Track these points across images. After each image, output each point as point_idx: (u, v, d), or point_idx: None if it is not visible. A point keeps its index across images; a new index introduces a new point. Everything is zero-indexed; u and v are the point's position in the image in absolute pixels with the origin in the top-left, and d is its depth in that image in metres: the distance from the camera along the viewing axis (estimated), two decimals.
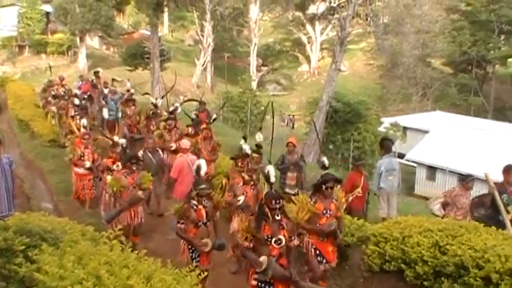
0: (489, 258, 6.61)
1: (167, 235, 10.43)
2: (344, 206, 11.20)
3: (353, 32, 39.99)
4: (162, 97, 17.00)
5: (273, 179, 6.58)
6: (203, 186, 7.49)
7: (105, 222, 9.02)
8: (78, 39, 48.97)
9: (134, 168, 9.26)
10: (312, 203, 7.43)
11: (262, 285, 6.40)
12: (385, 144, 11.66)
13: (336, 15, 36.77)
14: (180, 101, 17.31)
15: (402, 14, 56.66)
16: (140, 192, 9.20)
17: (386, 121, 37.02)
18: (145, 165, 10.14)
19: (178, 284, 3.96)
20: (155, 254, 7.23)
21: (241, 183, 9.34)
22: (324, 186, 7.46)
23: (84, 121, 13.25)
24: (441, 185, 31.63)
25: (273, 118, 9.77)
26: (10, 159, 8.88)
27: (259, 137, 11.94)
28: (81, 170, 12.09)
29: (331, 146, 28.64)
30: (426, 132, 36.87)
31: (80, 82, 23.66)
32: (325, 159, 8.22)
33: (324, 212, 7.45)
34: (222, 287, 8.35)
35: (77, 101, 16.46)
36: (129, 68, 43.36)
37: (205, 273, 7.04)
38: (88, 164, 11.99)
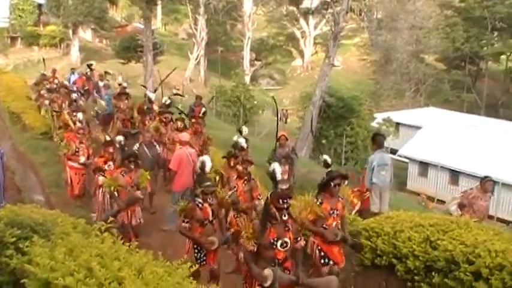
0: (480, 253, 6.64)
1: (160, 228, 10.47)
2: (357, 207, 11.29)
3: (347, 27, 40.00)
4: (155, 91, 16.97)
5: (279, 177, 6.10)
6: (209, 183, 7.20)
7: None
8: (70, 31, 48.84)
9: (132, 166, 9.11)
10: (318, 203, 7.23)
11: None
12: (377, 140, 11.64)
13: (330, 10, 36.68)
14: (172, 94, 17.27)
15: (396, 9, 56.63)
16: (138, 192, 9.12)
17: (379, 116, 37.08)
18: (141, 160, 9.95)
19: (170, 276, 3.96)
20: (147, 246, 7.26)
21: (235, 177, 9.21)
22: (332, 184, 7.23)
23: (80, 115, 13.10)
24: (433, 181, 31.76)
25: (277, 113, 9.73)
26: (1, 152, 8.89)
27: (244, 130, 11.96)
28: (76, 165, 12.01)
29: (323, 141, 28.66)
30: (419, 128, 36.95)
31: (72, 75, 23.50)
32: (327, 157, 7.90)
33: (331, 212, 7.27)
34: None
35: (74, 96, 16.29)
36: (122, 61, 43.27)
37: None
38: (82, 159, 11.93)
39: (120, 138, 10.33)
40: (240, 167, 9.24)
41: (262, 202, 8.52)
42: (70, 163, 12.08)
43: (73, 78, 22.97)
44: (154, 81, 27.66)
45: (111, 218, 5.71)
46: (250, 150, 11.33)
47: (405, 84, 55.93)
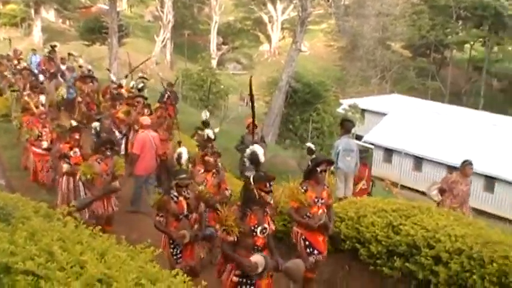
0: (440, 238, 6.76)
1: (125, 210, 10.38)
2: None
3: (314, 13, 40.00)
4: (126, 76, 16.66)
5: (262, 159, 5.83)
6: (183, 176, 6.88)
7: (77, 209, 8.59)
8: (32, 11, 47.78)
9: (109, 153, 8.77)
10: (302, 191, 6.99)
11: (244, 280, 5.76)
12: (345, 125, 11.70)
13: None
14: (138, 78, 16.99)
15: None
16: (117, 182, 8.94)
17: (345, 103, 37.34)
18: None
19: (133, 260, 3.93)
20: (112, 231, 7.21)
21: (202, 170, 8.78)
22: (318, 170, 7.01)
23: (42, 98, 12.74)
24: (397, 167, 32.17)
25: (252, 98, 9.18)
26: None
27: (205, 114, 11.89)
28: (39, 150, 11.63)
29: (290, 126, 28.76)
30: (384, 114, 37.32)
31: (33, 56, 22.93)
32: (311, 145, 7.57)
33: (316, 200, 7.03)
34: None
35: (41, 77, 15.82)
36: (87, 43, 42.64)
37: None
38: (45, 144, 11.54)
39: (95, 124, 9.92)
40: (209, 159, 8.86)
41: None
42: (33, 148, 11.70)
43: (34, 59, 22.40)
44: (119, 64, 27.33)
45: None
46: (218, 134, 11.27)
47: (371, 71, 56.42)
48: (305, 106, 28.59)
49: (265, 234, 5.79)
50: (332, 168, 11.46)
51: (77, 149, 9.78)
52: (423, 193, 14.07)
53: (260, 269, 5.59)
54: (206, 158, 8.82)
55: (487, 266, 6.15)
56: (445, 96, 52.77)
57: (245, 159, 5.86)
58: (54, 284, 3.38)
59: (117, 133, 12.28)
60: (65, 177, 9.50)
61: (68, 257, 3.81)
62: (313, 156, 7.33)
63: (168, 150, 11.94)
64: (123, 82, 15.70)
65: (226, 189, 8.70)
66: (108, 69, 22.44)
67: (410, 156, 31.91)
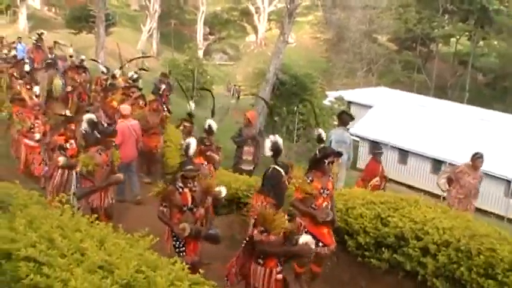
0: (428, 230, 6.89)
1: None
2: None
3: (301, 4, 40.04)
4: (121, 68, 16.43)
5: (282, 149, 5.87)
6: (190, 167, 6.64)
7: (76, 199, 8.30)
8: None
9: (112, 145, 8.63)
10: (308, 181, 6.76)
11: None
12: (342, 117, 11.73)
13: None
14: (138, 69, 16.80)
15: None
16: (120, 174, 8.86)
17: (331, 95, 37.45)
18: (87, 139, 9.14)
19: (132, 248, 3.99)
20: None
21: (206, 163, 8.60)
22: (325, 161, 6.82)
23: (36, 89, 12.46)
24: (383, 159, 32.29)
25: (266, 103, 9.07)
26: None
27: (191, 106, 11.84)
28: (31, 143, 11.31)
29: (276, 118, 28.76)
30: (370, 107, 37.46)
31: (19, 44, 22.51)
32: (321, 132, 7.35)
33: (321, 191, 6.84)
34: None
35: (27, 67, 15.41)
36: (73, 31, 42.28)
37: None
38: (38, 136, 11.22)
39: (92, 116, 9.15)
40: (214, 156, 8.74)
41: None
42: (25, 140, 11.38)
43: (20, 47, 22.04)
44: (105, 53, 27.20)
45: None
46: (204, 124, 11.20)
47: (357, 64, 56.61)
48: (292, 98, 28.58)
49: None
50: None
51: (72, 141, 9.47)
52: (409, 186, 14.23)
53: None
54: (209, 153, 8.66)
55: (474, 258, 6.28)
56: (430, 89, 53.02)
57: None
58: (57, 271, 3.44)
59: (105, 125, 12.15)
60: (59, 170, 9.17)
61: (68, 244, 3.87)
62: (322, 145, 7.20)
63: (159, 144, 11.98)
64: (117, 73, 15.53)
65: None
66: (95, 60, 22.19)
67: (395, 149, 32.10)
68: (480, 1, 51.05)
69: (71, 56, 18.28)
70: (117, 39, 34.55)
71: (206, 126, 9.37)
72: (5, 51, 19.44)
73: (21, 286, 3.49)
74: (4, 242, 3.81)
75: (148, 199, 8.15)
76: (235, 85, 47.89)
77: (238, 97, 42.99)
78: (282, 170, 5.71)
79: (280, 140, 5.96)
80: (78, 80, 15.76)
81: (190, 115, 11.39)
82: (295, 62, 41.76)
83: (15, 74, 15.59)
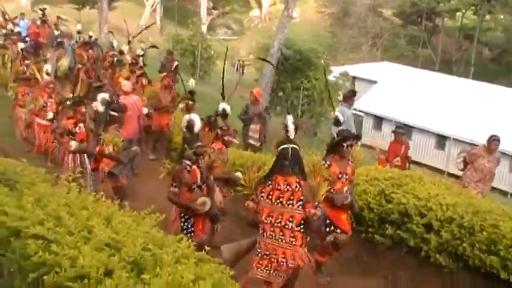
0: (431, 207, 6.93)
1: None
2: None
3: None
4: (129, 43, 16.30)
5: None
6: (200, 143, 6.66)
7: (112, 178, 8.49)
8: None
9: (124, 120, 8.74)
10: (326, 165, 6.53)
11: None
12: (344, 94, 11.80)
13: None
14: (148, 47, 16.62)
15: None
16: (136, 147, 8.84)
17: (336, 70, 37.35)
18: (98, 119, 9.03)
19: (139, 226, 4.04)
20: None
21: (224, 147, 8.49)
22: (344, 145, 6.65)
23: (48, 67, 12.13)
24: (387, 135, 32.27)
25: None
26: None
27: (192, 83, 11.75)
28: (43, 122, 11.08)
29: (280, 94, 28.71)
30: (374, 82, 37.36)
31: (21, 21, 21.93)
32: (339, 115, 7.29)
33: (340, 176, 6.68)
34: None
35: (21, 45, 14.97)
36: (76, 6, 42.07)
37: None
38: (51, 115, 10.86)
39: (106, 95, 9.13)
40: (232, 140, 8.65)
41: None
42: (38, 120, 11.18)
43: (23, 24, 21.52)
44: (109, 28, 27.10)
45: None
46: (209, 100, 11.18)
47: (362, 38, 56.31)
48: (296, 73, 28.49)
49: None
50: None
51: (81, 125, 9.16)
52: (413, 161, 14.18)
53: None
54: (227, 138, 8.53)
55: (476, 234, 6.33)
56: (435, 64, 52.78)
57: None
58: (65, 248, 3.49)
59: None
60: (70, 156, 8.92)
61: (76, 221, 3.91)
62: (340, 127, 7.10)
63: (170, 122, 11.90)
64: (125, 49, 15.40)
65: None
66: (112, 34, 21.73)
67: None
68: None
69: (79, 32, 18.02)
70: (120, 14, 34.45)
71: (221, 110, 9.25)
72: (9, 26, 19.08)
73: (30, 263, 3.55)
74: (12, 220, 3.86)
75: (153, 176, 8.14)
76: (239, 60, 47.70)
77: (243, 72, 42.84)
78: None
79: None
80: (86, 57, 15.63)
81: (191, 93, 11.28)
82: (299, 37, 41.52)
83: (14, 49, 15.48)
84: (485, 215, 6.45)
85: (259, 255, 5.61)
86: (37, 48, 16.86)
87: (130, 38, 16.79)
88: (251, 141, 11.78)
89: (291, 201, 5.49)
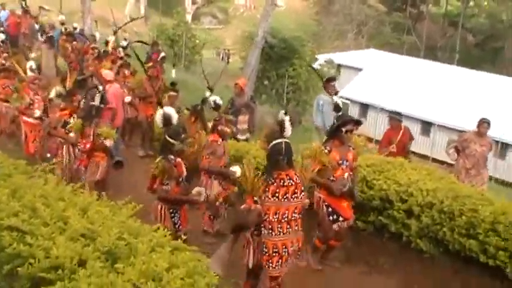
0: (412, 192, 7.00)
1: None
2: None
3: None
4: (114, 33, 15.97)
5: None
6: (183, 136, 6.46)
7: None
8: None
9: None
10: (326, 151, 6.44)
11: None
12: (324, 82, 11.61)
13: None
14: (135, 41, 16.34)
15: None
16: None
17: (321, 58, 37.36)
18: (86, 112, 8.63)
19: (115, 216, 4.03)
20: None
21: (220, 140, 8.02)
22: (343, 130, 6.50)
23: (32, 63, 11.47)
24: (373, 122, 32.44)
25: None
26: None
27: (172, 73, 11.55)
28: (31, 120, 10.49)
29: (265, 82, 28.73)
30: (360, 70, 37.40)
31: (2, 11, 21.13)
32: (338, 100, 7.15)
33: (340, 162, 6.50)
34: None
35: (2, 36, 14.67)
36: None
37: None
38: (38, 112, 10.38)
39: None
40: (226, 129, 8.19)
41: None
42: (24, 118, 10.57)
43: (2, 14, 20.79)
44: (92, 19, 26.83)
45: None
46: (194, 90, 11.03)
47: (347, 26, 56.29)
48: (281, 61, 28.51)
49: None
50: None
51: (75, 115, 8.78)
52: None
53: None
54: (220, 127, 8.10)
55: (456, 219, 6.40)
56: (420, 50, 52.91)
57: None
58: (39, 239, 3.49)
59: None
60: (64, 148, 8.63)
61: (51, 213, 3.90)
62: (340, 113, 6.97)
63: (155, 113, 11.76)
64: (111, 39, 15.12)
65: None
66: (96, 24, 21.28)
67: (385, 111, 32.15)
68: None
69: (62, 24, 17.65)
70: (104, 3, 34.12)
71: (212, 104, 8.99)
72: None
73: (4, 255, 3.54)
74: None
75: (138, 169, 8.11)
76: (224, 49, 47.60)
77: (228, 61, 42.73)
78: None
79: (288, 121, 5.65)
80: (70, 49, 15.40)
81: (173, 84, 11.09)
82: (285, 26, 41.45)
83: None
84: (464, 200, 6.51)
85: (267, 254, 5.43)
86: (16, 40, 16.60)
87: (115, 29, 16.58)
88: (238, 136, 11.62)
89: (295, 194, 5.41)
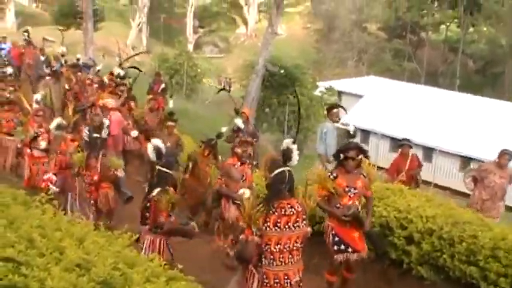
0: (412, 219, 6.96)
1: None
2: None
3: None
4: (120, 64, 15.84)
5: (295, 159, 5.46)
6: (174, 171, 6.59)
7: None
8: None
9: None
10: (331, 178, 6.40)
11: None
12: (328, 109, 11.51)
13: None
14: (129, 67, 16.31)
15: None
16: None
17: (322, 85, 37.53)
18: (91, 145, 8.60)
19: (111, 246, 4.03)
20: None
21: (238, 164, 8.06)
22: (342, 156, 6.42)
23: (37, 96, 11.51)
24: (374, 148, 32.43)
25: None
26: None
27: (170, 103, 11.60)
28: (35, 152, 10.27)
29: (267, 110, 28.82)
30: (361, 96, 37.54)
31: (3, 44, 21.03)
32: (351, 126, 7.19)
33: (347, 189, 6.36)
34: None
35: (10, 70, 14.50)
36: (61, 28, 42.12)
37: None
38: (44, 144, 10.15)
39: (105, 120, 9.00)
40: (239, 150, 8.17)
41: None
42: (28, 151, 10.34)
43: (5, 47, 20.70)
44: (95, 49, 27.07)
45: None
46: (195, 118, 11.09)
47: (348, 53, 56.76)
48: (282, 89, 28.62)
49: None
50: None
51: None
52: None
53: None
54: (236, 149, 8.18)
55: (456, 245, 6.37)
56: (421, 77, 53.15)
57: None
58: (35, 270, 3.47)
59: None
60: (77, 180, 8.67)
61: (48, 243, 3.88)
62: (350, 140, 7.04)
63: None
64: (115, 70, 14.94)
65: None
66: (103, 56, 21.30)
67: (387, 137, 32.20)
68: None
69: (63, 55, 17.68)
70: (106, 34, 34.54)
71: (235, 127, 9.45)
72: None
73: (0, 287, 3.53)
74: None
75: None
76: (225, 77, 47.86)
77: (229, 90, 42.89)
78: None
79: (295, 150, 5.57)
80: (74, 80, 15.38)
81: (171, 114, 11.11)
82: (286, 53, 41.77)
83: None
84: (464, 226, 6.49)
85: (269, 284, 5.35)
86: (19, 72, 16.65)
87: (119, 59, 16.51)
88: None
89: (297, 223, 5.34)
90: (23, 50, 19.12)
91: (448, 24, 56.59)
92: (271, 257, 5.32)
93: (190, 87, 32.97)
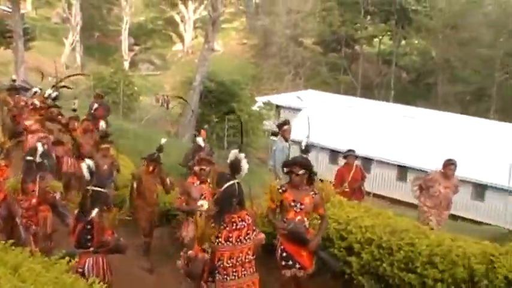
0: (351, 230, 7.03)
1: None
2: None
3: (226, 11, 40.27)
4: (53, 86, 15.34)
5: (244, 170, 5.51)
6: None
7: None
8: None
9: None
10: (280, 191, 6.29)
11: None
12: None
13: None
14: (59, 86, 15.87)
15: None
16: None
17: (260, 100, 37.78)
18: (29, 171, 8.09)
19: (48, 272, 3.92)
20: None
21: (198, 182, 8.00)
22: (286, 170, 6.32)
23: None
24: (313, 160, 32.61)
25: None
26: None
27: (102, 126, 11.43)
28: None
29: (206, 126, 28.77)
30: (299, 110, 37.94)
31: None
32: (303, 141, 7.13)
33: (293, 203, 6.24)
34: None
35: None
36: None
37: None
38: None
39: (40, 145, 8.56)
40: (196, 168, 8.06)
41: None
42: None
43: None
44: (26, 69, 26.48)
45: None
46: (133, 137, 10.96)
47: (285, 68, 57.36)
48: (220, 105, 28.70)
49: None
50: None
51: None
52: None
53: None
54: (195, 168, 8.11)
55: (395, 254, 6.46)
56: (357, 89, 54.23)
57: None
58: None
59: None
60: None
61: None
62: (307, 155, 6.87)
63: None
64: (48, 92, 14.47)
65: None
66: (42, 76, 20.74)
67: (326, 149, 32.59)
68: (399, 2, 52.76)
69: None
70: (39, 53, 33.80)
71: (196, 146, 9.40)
72: None
73: None
74: None
75: None
76: (163, 95, 47.53)
77: (167, 107, 42.63)
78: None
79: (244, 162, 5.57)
80: (12, 102, 14.90)
81: (105, 136, 10.93)
82: (223, 69, 41.91)
83: None
84: (401, 234, 6.59)
85: None
86: None
87: (54, 81, 16.04)
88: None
89: (248, 235, 5.39)
90: None
91: (381, 37, 58.11)
92: (225, 272, 5.35)
93: (128, 106, 32.59)
